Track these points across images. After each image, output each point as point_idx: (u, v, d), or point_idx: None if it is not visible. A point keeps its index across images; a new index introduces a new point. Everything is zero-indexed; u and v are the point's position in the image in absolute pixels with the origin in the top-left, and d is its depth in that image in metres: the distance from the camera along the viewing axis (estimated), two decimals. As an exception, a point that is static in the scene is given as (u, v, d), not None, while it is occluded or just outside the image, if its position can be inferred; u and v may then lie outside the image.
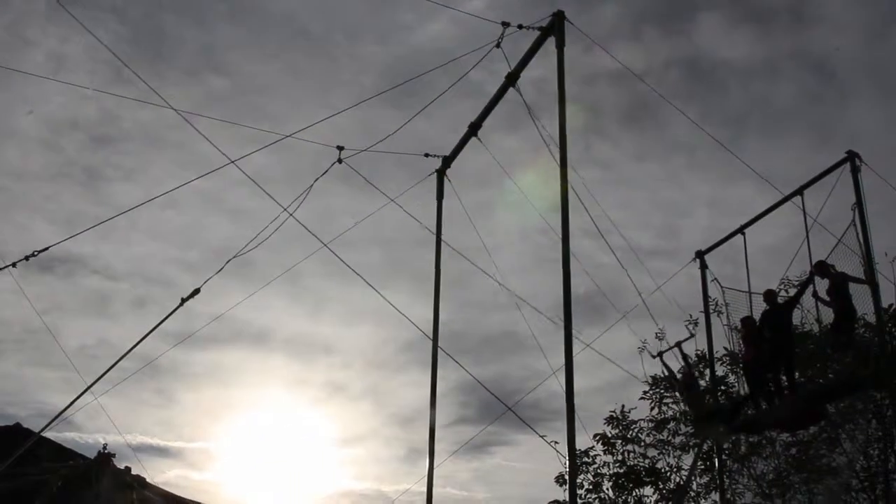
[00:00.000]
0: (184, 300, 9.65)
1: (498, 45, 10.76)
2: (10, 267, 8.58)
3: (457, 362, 10.27)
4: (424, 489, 12.15)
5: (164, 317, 9.50)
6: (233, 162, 9.30)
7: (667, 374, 14.34)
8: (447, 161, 12.35)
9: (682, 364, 13.75)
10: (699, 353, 16.96)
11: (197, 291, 9.78)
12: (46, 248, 8.66)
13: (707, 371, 16.25)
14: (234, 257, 10.23)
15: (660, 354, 13.94)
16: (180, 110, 9.91)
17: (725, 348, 15.81)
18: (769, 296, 12.25)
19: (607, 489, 17.54)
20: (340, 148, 11.50)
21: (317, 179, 11.08)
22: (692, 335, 14.09)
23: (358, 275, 9.73)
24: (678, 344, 13.69)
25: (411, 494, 14.44)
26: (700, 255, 14.22)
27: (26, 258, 8.58)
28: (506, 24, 10.65)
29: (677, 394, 15.62)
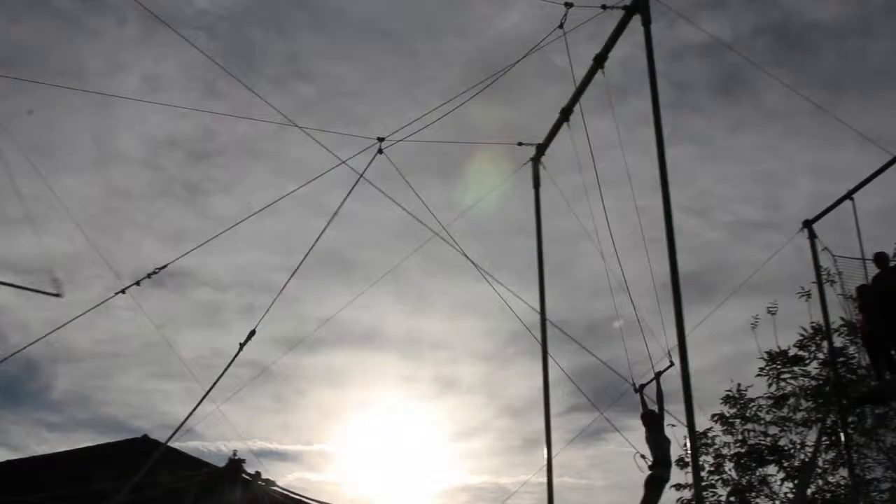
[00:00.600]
0: (241, 345, 9.87)
1: (560, 27, 10.70)
2: (135, 285, 8.96)
3: (576, 342, 10.29)
4: (542, 479, 12.17)
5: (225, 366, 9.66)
6: (344, 162, 9.50)
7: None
8: (541, 148, 12.34)
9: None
10: (814, 325, 16.52)
11: (253, 333, 10.00)
12: (165, 266, 9.02)
13: (824, 344, 15.82)
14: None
15: (640, 388, 11.75)
16: (279, 119, 10.15)
17: (842, 318, 15.34)
18: (880, 259, 11.86)
19: (729, 470, 17.21)
20: (381, 139, 11.47)
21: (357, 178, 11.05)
22: (671, 364, 10.79)
23: (473, 263, 9.85)
24: (657, 375, 11.41)
25: (529, 486, 14.46)
26: (808, 224, 13.85)
27: (148, 276, 8.97)
28: (569, 5, 10.58)
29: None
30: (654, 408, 11.33)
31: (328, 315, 12.69)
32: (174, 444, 13.90)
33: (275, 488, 7.92)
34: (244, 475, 7.69)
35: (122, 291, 9.27)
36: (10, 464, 14.82)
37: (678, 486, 16.95)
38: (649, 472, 10.93)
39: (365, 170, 10.42)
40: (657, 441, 10.98)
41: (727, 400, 17.62)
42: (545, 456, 12.20)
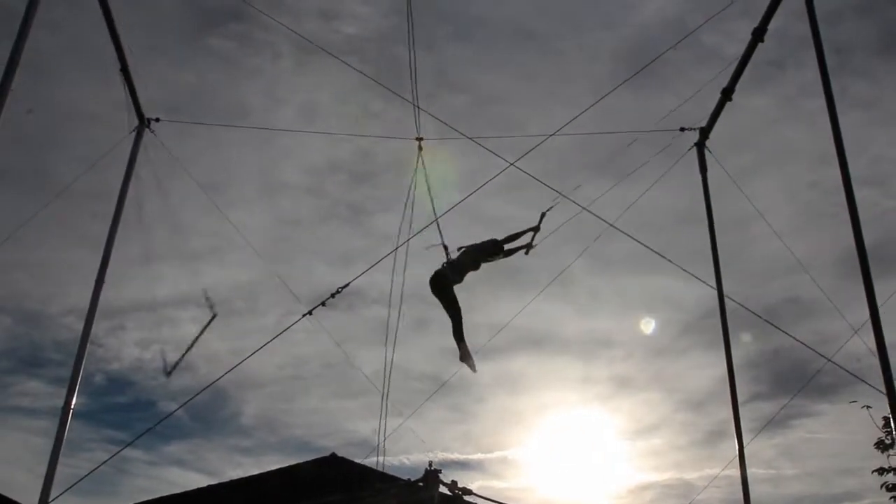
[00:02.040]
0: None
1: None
2: (320, 306, 9.25)
3: (758, 316, 9.90)
4: (729, 472, 11.78)
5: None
6: (512, 164, 9.51)
7: None
8: (704, 132, 12.01)
9: None
10: None
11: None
12: (347, 285, 9.27)
13: None
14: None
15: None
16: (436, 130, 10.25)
17: None
18: None
19: (937, 449, 16.17)
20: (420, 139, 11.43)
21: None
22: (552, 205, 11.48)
23: (655, 251, 9.62)
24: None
25: (717, 480, 14.03)
26: None
27: (332, 296, 9.25)
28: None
29: None
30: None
31: (501, 322, 12.69)
32: (362, 461, 14.30)
33: (471, 496, 7.98)
34: (441, 485, 7.78)
35: (309, 313, 9.58)
36: (210, 488, 15.57)
37: (882, 471, 16.08)
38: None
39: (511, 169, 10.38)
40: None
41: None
42: (735, 448, 11.80)
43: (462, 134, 10.37)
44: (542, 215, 11.01)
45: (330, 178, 31.96)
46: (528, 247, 11.02)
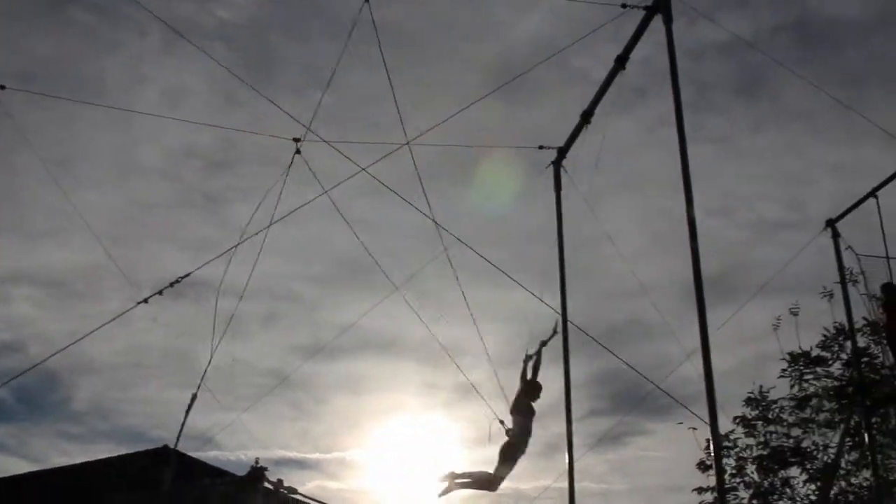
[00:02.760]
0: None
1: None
2: (157, 295, 8.94)
3: (601, 344, 10.21)
4: (563, 485, 12.06)
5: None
6: (364, 170, 9.47)
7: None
8: (562, 152, 12.25)
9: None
10: (837, 325, 16.38)
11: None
12: (187, 275, 8.99)
13: (847, 344, 15.68)
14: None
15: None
16: (298, 128, 10.10)
17: (865, 318, 15.20)
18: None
19: (752, 472, 17.08)
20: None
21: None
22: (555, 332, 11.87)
23: (496, 266, 9.76)
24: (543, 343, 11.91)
25: (550, 491, 14.35)
26: (831, 223, 13.71)
27: (171, 285, 8.96)
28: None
29: None
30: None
31: (348, 322, 12.60)
32: (195, 454, 13.92)
33: (297, 496, 7.87)
34: (266, 483, 7.64)
35: (145, 301, 9.27)
36: (31, 475, 14.86)
37: (700, 490, 16.86)
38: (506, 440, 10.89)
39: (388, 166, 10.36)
40: (522, 409, 11.03)
41: (749, 402, 17.50)
42: (566, 461, 12.10)
43: (326, 140, 10.23)
44: (554, 331, 11.48)
45: (187, 164, 31.01)
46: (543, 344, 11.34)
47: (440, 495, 10.45)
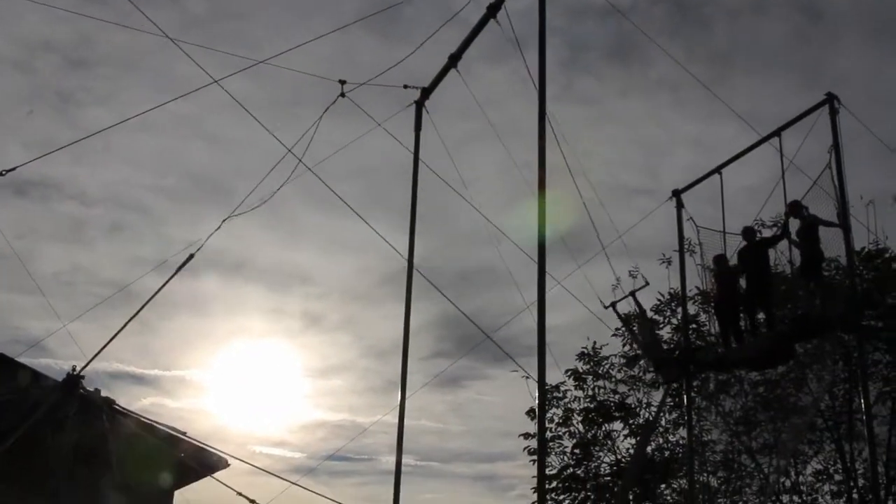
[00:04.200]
0: (179, 268, 9.37)
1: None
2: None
3: (437, 289, 10.31)
4: (397, 420, 12.26)
5: (162, 284, 9.20)
6: (216, 82, 9.16)
7: (637, 311, 14.13)
8: (426, 93, 12.18)
9: (637, 312, 13.85)
10: (672, 291, 17.14)
11: (191, 257, 9.51)
12: (15, 168, 8.53)
13: (679, 310, 16.42)
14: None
15: (612, 304, 13.75)
16: (163, 32, 9.66)
17: (697, 287, 15.94)
18: (748, 233, 12.33)
19: (577, 423, 17.81)
20: (343, 82, 11.32)
21: (321, 116, 10.91)
22: (646, 283, 13.95)
23: (342, 200, 9.66)
24: (633, 292, 13.62)
25: (384, 425, 14.53)
26: (677, 193, 14.20)
27: (2, 173, 8.45)
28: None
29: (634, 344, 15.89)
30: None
31: (197, 239, 12.26)
32: (23, 360, 13.35)
33: (116, 407, 7.68)
34: (82, 391, 7.41)
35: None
36: None
37: (527, 436, 17.48)
38: None
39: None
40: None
41: (582, 356, 18.17)
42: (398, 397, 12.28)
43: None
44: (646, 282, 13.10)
45: (43, 57, 29.30)
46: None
47: None
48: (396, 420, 12.12)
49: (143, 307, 8.48)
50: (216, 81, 9.28)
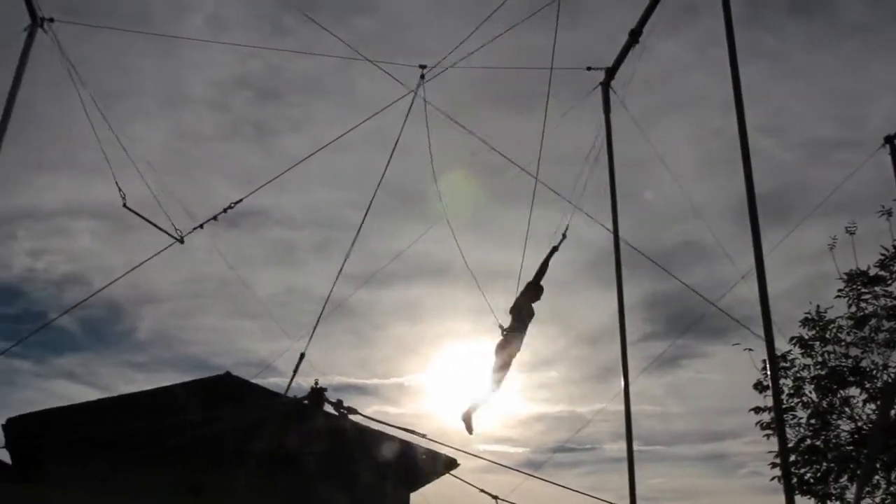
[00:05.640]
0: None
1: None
2: (212, 220, 9.11)
3: (657, 264, 10.20)
4: (618, 407, 12.18)
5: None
6: (412, 92, 9.50)
7: None
8: (610, 72, 12.08)
9: None
10: (896, 244, 16.10)
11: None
12: (240, 201, 9.13)
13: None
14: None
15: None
16: (360, 54, 10.07)
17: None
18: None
19: (809, 392, 17.02)
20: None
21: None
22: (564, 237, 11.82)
23: (552, 190, 9.72)
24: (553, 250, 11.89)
25: (605, 413, 14.48)
26: (890, 140, 13.37)
27: (224, 210, 9.10)
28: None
29: None
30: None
31: (400, 249, 12.72)
32: (256, 381, 14.31)
33: (357, 416, 8.08)
34: (327, 403, 7.86)
35: (200, 226, 9.46)
36: (100, 402, 15.39)
37: (757, 410, 16.87)
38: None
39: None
40: (520, 309, 11.19)
41: (806, 322, 17.33)
42: (622, 383, 12.19)
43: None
44: (563, 236, 11.43)
45: (236, 93, 31.17)
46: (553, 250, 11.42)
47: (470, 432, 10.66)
48: (617, 407, 12.07)
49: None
50: (412, 91, 9.62)
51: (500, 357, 10.91)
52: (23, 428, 14.24)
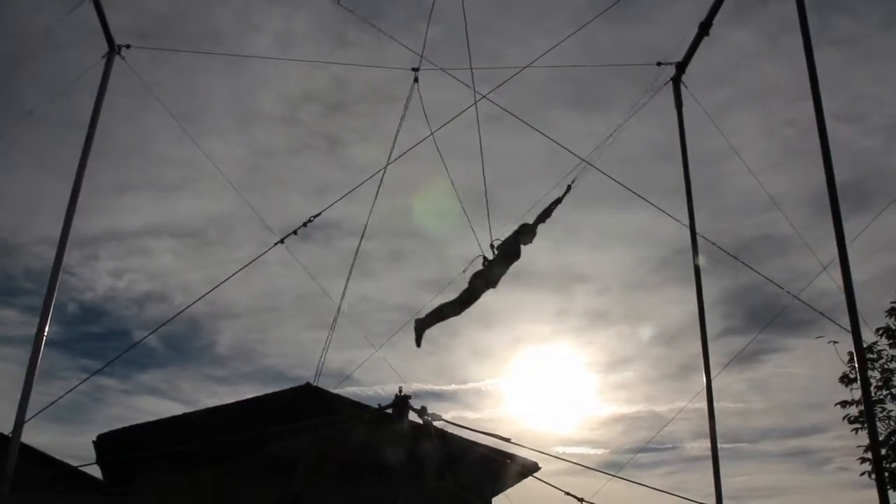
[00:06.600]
0: None
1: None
2: (292, 234, 9.26)
3: (737, 258, 10.02)
4: (699, 405, 11.99)
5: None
6: (485, 97, 9.52)
7: None
8: (681, 67, 11.94)
9: None
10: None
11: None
12: (319, 214, 9.27)
13: None
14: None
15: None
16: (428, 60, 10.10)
17: None
18: None
19: (900, 384, 16.54)
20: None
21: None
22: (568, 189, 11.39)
23: (629, 189, 9.63)
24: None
25: (686, 412, 14.28)
26: (974, 119, 12.95)
27: (304, 224, 9.25)
28: None
29: None
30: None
31: (473, 255, 12.73)
32: (337, 391, 14.46)
33: (442, 421, 8.12)
34: (411, 410, 7.91)
35: (281, 241, 9.62)
36: (185, 416, 15.70)
37: (844, 403, 16.45)
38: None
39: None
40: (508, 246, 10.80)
41: (892, 312, 16.86)
42: (703, 381, 12.01)
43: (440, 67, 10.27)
44: (568, 188, 11.09)
45: (305, 107, 31.61)
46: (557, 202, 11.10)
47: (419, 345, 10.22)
48: (695, 406, 11.88)
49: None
50: (485, 96, 9.64)
51: (473, 284, 10.65)
52: (112, 444, 14.61)
